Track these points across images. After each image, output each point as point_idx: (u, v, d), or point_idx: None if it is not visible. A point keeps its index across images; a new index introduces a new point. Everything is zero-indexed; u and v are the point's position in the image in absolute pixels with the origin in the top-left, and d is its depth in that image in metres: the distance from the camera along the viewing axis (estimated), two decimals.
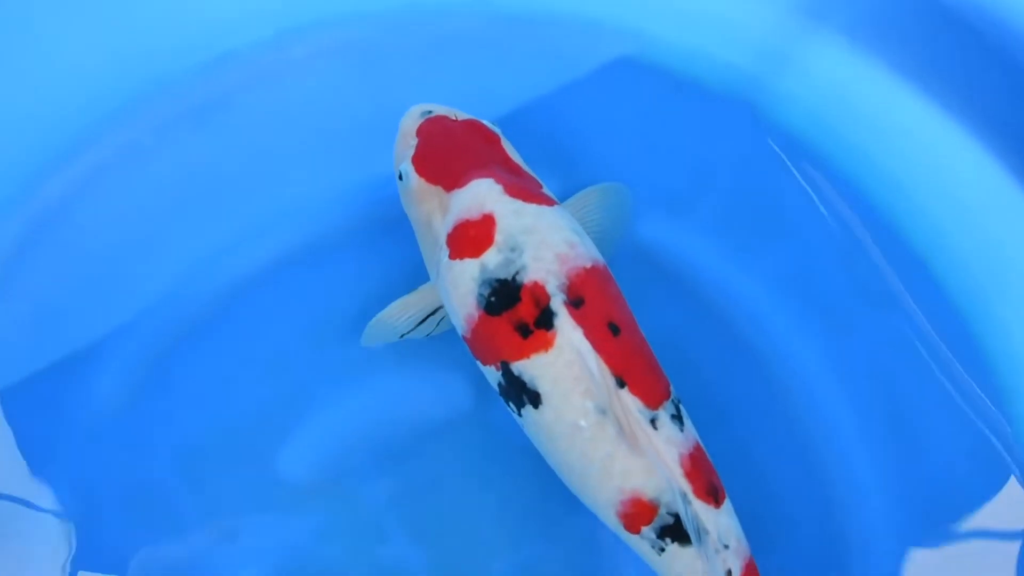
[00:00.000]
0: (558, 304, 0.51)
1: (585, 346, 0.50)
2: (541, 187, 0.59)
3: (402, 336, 0.64)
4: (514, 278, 0.52)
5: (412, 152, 0.60)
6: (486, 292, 0.53)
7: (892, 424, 0.68)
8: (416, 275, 0.65)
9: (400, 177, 0.60)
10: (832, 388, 0.69)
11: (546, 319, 0.51)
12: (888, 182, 0.73)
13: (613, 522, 0.54)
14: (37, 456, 0.67)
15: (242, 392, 0.70)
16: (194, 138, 0.75)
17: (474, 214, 0.54)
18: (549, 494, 0.66)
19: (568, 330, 0.51)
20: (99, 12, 0.75)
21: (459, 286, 0.54)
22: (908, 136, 0.73)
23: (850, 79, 0.75)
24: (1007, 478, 0.65)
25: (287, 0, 0.76)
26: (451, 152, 0.58)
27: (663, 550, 0.51)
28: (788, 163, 0.74)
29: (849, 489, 0.66)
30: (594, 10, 0.77)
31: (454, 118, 0.61)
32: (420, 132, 0.60)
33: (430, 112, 0.62)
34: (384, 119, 0.67)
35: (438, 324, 0.64)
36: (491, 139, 0.60)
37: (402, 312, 0.62)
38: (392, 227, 0.71)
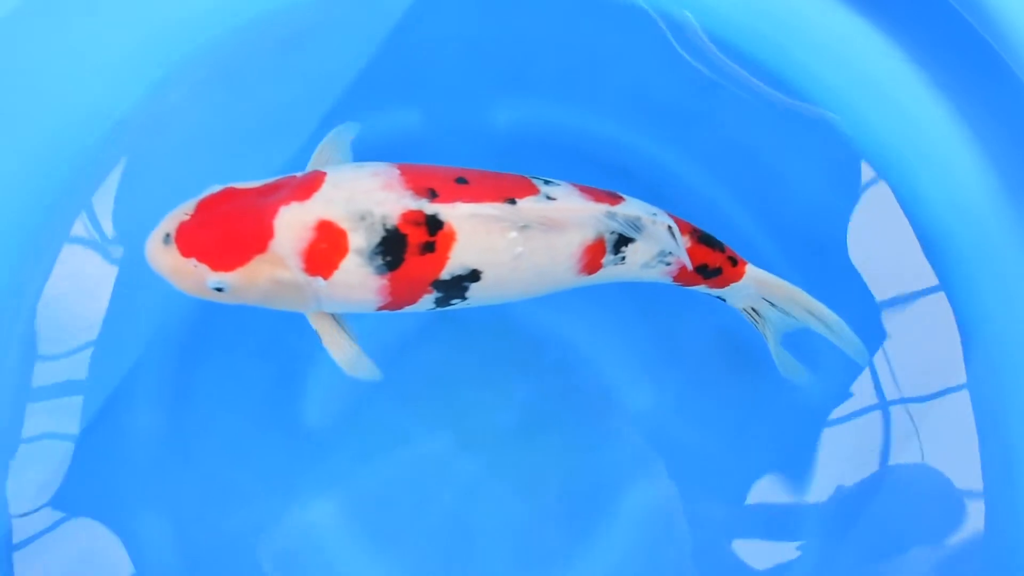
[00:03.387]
0: (427, 206, 0.53)
1: (468, 208, 0.53)
2: (307, 172, 0.57)
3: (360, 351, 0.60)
4: (386, 229, 0.53)
5: (206, 265, 0.54)
6: (378, 261, 0.53)
7: None
8: None
9: (220, 290, 0.55)
10: None
11: (433, 223, 0.53)
12: None
13: (583, 281, 0.59)
14: None
15: None
16: None
17: (310, 232, 0.53)
18: None
19: (450, 211, 0.53)
20: None
21: (354, 286, 0.54)
22: None
23: None
24: None
25: None
26: (230, 229, 0.54)
27: (624, 258, 0.58)
28: None
29: None
30: None
31: (186, 216, 0.54)
32: (183, 239, 0.54)
33: (176, 224, 0.54)
34: None
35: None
36: (232, 194, 0.55)
37: (341, 346, 0.60)
38: None
